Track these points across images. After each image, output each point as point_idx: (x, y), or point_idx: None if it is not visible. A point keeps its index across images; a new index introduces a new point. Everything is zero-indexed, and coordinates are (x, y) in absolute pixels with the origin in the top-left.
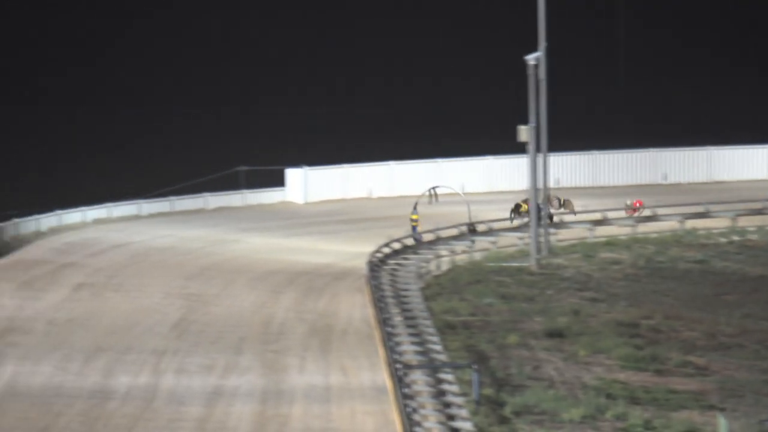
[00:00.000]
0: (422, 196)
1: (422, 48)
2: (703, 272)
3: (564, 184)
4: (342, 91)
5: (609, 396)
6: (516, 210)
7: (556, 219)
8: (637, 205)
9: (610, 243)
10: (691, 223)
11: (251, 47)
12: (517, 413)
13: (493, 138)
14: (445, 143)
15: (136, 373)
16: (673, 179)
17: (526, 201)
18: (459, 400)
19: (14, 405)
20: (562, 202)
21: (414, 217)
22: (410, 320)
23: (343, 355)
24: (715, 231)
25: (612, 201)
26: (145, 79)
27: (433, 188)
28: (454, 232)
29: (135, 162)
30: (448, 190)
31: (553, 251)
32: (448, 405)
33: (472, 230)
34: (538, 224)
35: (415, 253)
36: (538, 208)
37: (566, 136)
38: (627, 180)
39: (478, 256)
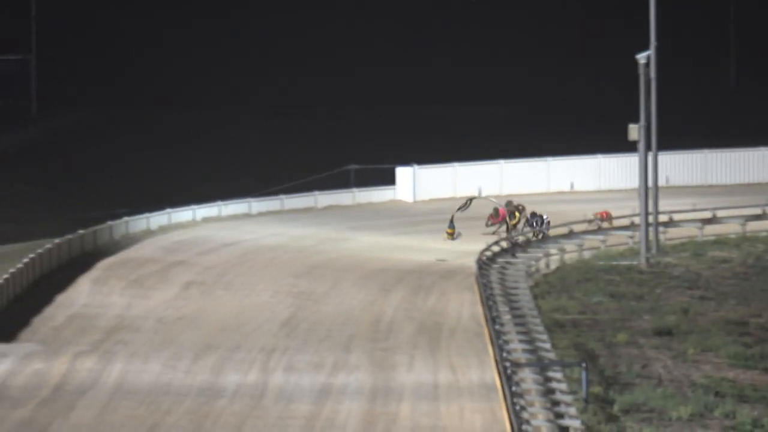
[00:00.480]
0: (459, 209)
1: (532, 45)
2: None
3: (674, 182)
4: (452, 90)
5: (717, 394)
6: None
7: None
8: (604, 216)
9: (720, 241)
10: None
11: (364, 47)
12: (626, 411)
13: (603, 136)
14: (555, 141)
15: (245, 371)
16: None
17: (518, 208)
18: (567, 398)
19: (123, 403)
20: (518, 212)
21: (449, 230)
22: (519, 318)
23: (452, 353)
24: None
25: (722, 200)
26: (257, 79)
27: (470, 199)
28: (563, 230)
29: (246, 161)
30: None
31: (662, 250)
32: (556, 403)
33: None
34: (647, 225)
35: (525, 252)
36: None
37: (676, 135)
38: (737, 179)
39: (587, 254)
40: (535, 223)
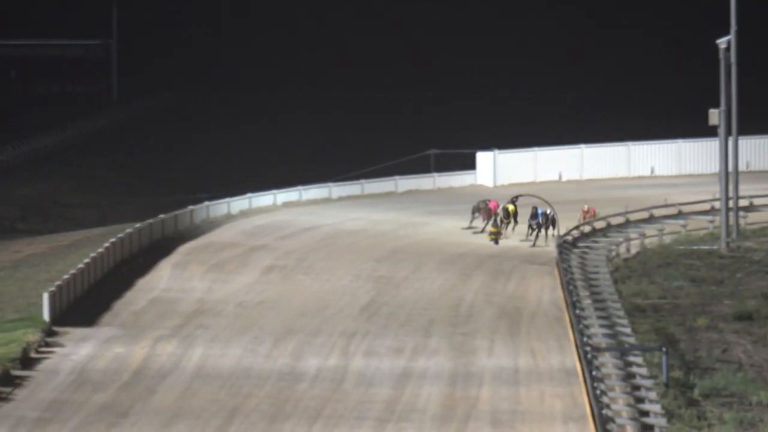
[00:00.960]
0: (506, 204)
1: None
2: None
3: (754, 167)
4: (532, 75)
5: None
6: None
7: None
8: (592, 213)
9: None
10: None
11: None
12: (706, 396)
13: (683, 121)
14: (635, 126)
15: (326, 355)
16: None
17: (514, 201)
18: (648, 382)
19: (204, 387)
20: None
21: (493, 230)
22: (599, 303)
23: (532, 338)
24: None
25: None
26: (339, 61)
27: (516, 197)
28: (644, 215)
29: (326, 145)
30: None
31: (742, 234)
32: (637, 388)
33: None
34: (727, 210)
35: (605, 236)
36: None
37: (757, 119)
38: None
39: (667, 239)
40: (539, 221)
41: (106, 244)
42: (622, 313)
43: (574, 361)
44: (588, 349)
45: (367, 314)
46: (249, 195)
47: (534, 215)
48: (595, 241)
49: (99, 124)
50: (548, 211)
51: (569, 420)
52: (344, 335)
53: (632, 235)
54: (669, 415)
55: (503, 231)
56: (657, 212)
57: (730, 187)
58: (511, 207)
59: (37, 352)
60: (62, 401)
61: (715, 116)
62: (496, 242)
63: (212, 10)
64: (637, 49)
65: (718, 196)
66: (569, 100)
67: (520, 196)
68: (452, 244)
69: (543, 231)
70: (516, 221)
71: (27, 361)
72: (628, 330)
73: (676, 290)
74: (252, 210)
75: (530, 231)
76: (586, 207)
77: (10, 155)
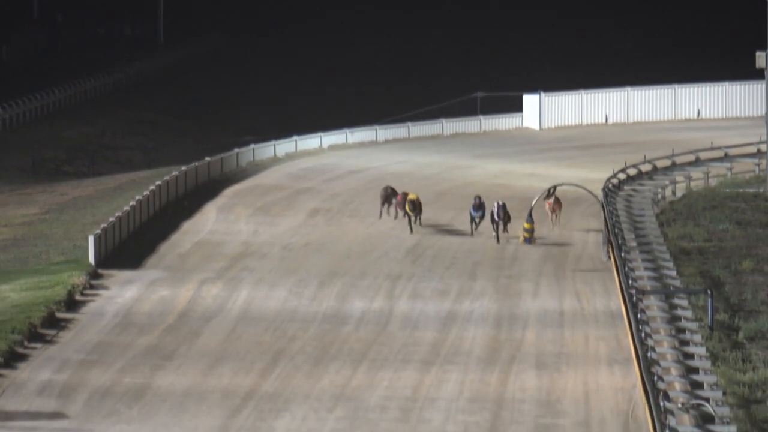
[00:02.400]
0: (539, 198)
1: None
2: None
3: None
4: (580, 18)
5: None
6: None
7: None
8: (556, 209)
9: None
10: None
11: None
12: (751, 338)
13: (730, 64)
14: (682, 69)
15: (371, 297)
16: None
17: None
18: (693, 325)
19: (249, 329)
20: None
21: (527, 226)
22: (645, 246)
23: (577, 281)
24: None
25: None
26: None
27: (553, 187)
28: (690, 158)
29: (373, 88)
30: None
31: None
32: (681, 330)
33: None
34: None
35: (651, 179)
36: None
37: None
38: None
39: (713, 182)
40: (498, 214)
41: (152, 187)
42: (667, 255)
43: (618, 304)
44: (633, 292)
45: (412, 257)
46: (295, 138)
47: (478, 206)
48: (642, 184)
49: (146, 67)
50: (496, 204)
51: (614, 363)
52: (389, 278)
53: (678, 178)
54: (713, 357)
55: (413, 220)
56: (703, 155)
57: None
58: (412, 195)
59: (82, 294)
60: (107, 343)
61: (762, 59)
62: (529, 241)
63: None
64: None
65: (764, 138)
66: (617, 43)
67: (557, 186)
68: (498, 186)
69: (502, 225)
70: (420, 210)
71: (72, 304)
72: (673, 273)
73: (721, 233)
74: (298, 153)
75: (493, 226)
76: (551, 200)
77: (58, 97)
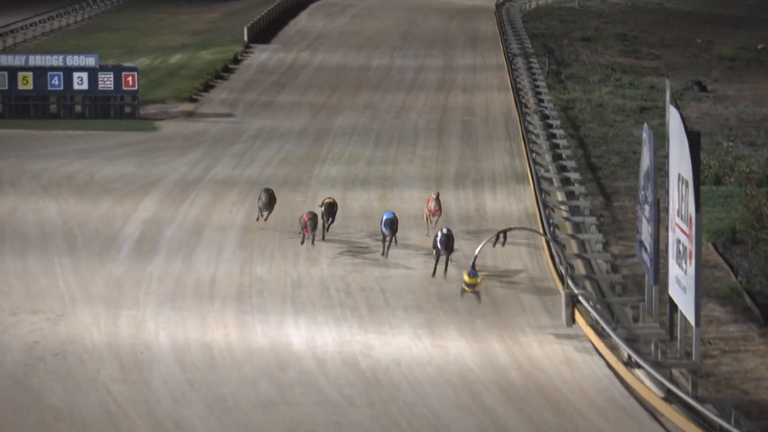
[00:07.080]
0: (488, 241)
1: None
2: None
3: None
4: None
5: (611, 69)
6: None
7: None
8: (436, 212)
9: None
10: None
11: None
12: (567, 78)
13: None
14: None
15: (381, 57)
16: None
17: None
18: (539, 71)
19: (323, 73)
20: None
21: (469, 280)
22: (516, 32)
23: (483, 50)
24: None
25: None
26: None
27: (504, 231)
28: None
29: None
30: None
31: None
32: (533, 74)
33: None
34: None
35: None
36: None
37: None
38: None
39: (550, 0)
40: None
41: (273, 5)
42: (526, 36)
43: (503, 61)
44: (510, 54)
45: (402, 38)
46: None
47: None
48: (512, 5)
49: None
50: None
51: (500, 89)
52: (391, 48)
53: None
54: (549, 87)
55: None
56: None
57: None
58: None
59: (241, 56)
60: (252, 80)
61: None
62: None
63: None
64: None
65: None
66: None
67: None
68: (447, 3)
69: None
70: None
71: (235, 60)
72: (529, 45)
73: (553, 26)
74: None
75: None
76: (432, 204)
77: None
